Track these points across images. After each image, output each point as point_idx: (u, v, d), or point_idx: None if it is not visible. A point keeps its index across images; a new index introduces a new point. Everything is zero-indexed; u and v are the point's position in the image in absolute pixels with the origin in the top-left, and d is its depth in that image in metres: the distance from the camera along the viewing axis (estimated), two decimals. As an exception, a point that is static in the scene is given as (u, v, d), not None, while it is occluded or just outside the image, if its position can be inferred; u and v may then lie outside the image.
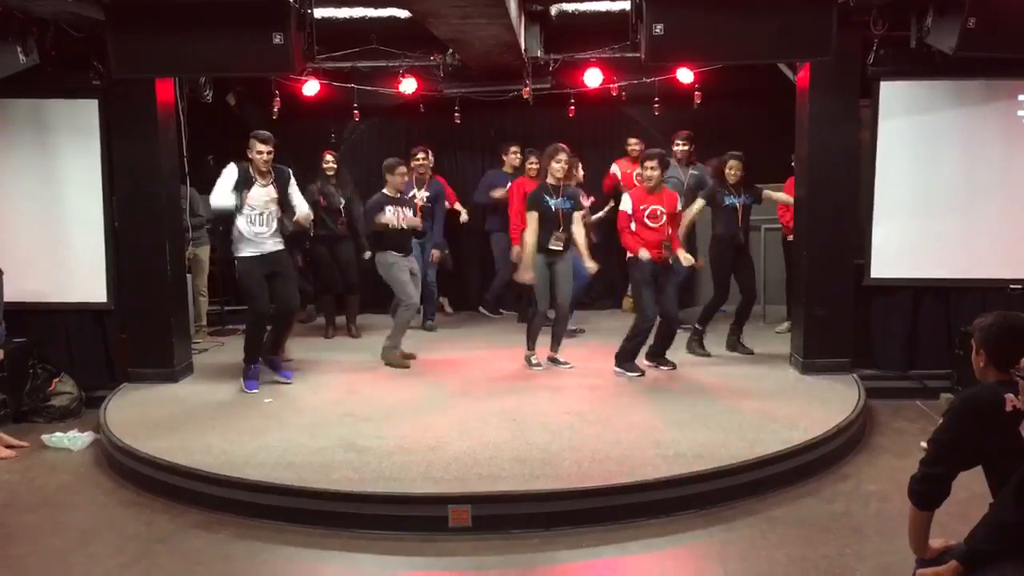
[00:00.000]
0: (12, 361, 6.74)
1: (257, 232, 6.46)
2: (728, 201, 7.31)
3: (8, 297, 6.82)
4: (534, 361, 7.14)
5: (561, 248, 6.89)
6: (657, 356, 7.04)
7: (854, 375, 6.71)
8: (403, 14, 7.17)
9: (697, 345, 7.49)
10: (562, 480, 4.85)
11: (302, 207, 6.67)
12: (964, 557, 2.88)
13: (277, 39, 5.82)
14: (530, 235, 6.88)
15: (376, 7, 7.56)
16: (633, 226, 6.74)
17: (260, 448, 5.42)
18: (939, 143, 6.85)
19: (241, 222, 6.43)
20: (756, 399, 6.21)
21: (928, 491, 2.95)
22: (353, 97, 8.47)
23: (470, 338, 8.42)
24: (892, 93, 6.81)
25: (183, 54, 6.00)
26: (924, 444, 3.19)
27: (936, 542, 3.03)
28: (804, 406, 6.01)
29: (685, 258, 6.80)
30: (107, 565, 4.46)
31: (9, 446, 6.17)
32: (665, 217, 6.74)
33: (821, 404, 6.06)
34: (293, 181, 6.64)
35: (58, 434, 6.31)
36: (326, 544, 4.66)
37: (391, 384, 6.84)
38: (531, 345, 7.14)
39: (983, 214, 6.88)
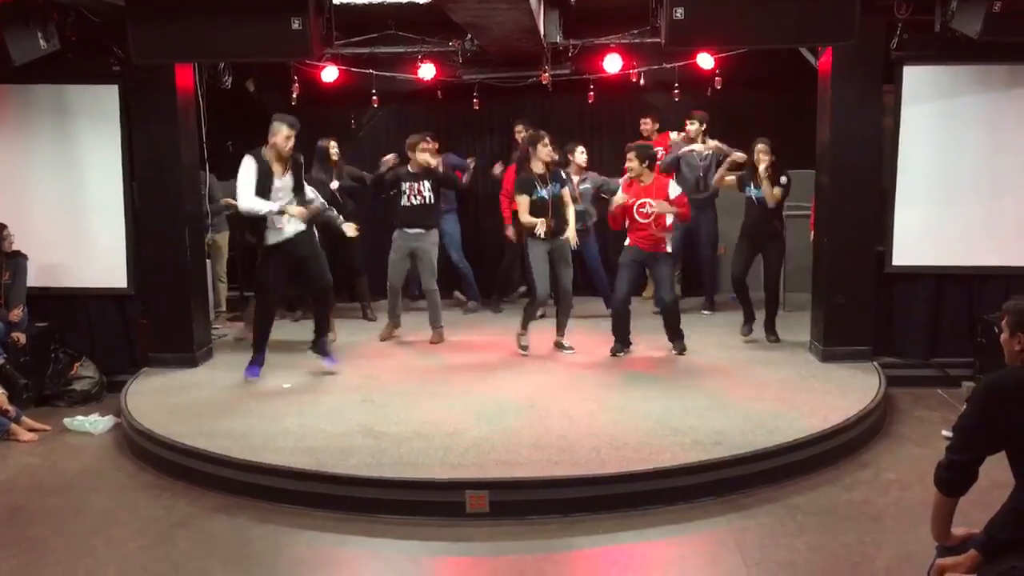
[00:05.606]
0: (34, 345, 6.83)
1: (279, 221, 6.34)
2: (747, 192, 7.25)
3: (30, 282, 6.92)
4: (523, 343, 7.15)
5: (553, 235, 6.91)
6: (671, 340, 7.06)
7: (874, 363, 6.66)
8: (422, -1, 7.14)
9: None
10: (580, 466, 4.86)
11: (314, 199, 6.60)
12: (983, 546, 2.86)
13: (296, 24, 5.82)
14: (524, 217, 6.93)
15: (395, -8, 7.54)
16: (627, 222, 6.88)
17: (279, 433, 5.45)
18: (963, 129, 6.76)
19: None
20: (775, 387, 6.18)
21: (954, 477, 2.93)
22: (371, 83, 8.44)
23: (487, 324, 8.41)
24: (916, 78, 6.73)
25: (202, 40, 6.00)
26: (945, 433, 3.17)
27: (958, 530, 3.01)
28: (824, 394, 5.98)
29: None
30: (128, 548, 4.51)
31: (31, 429, 6.24)
32: (654, 213, 6.75)
33: (841, 392, 6.02)
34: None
35: (79, 418, 6.38)
36: (344, 528, 4.70)
37: (409, 370, 6.85)
38: (523, 326, 7.16)
39: (1007, 201, 6.79)
